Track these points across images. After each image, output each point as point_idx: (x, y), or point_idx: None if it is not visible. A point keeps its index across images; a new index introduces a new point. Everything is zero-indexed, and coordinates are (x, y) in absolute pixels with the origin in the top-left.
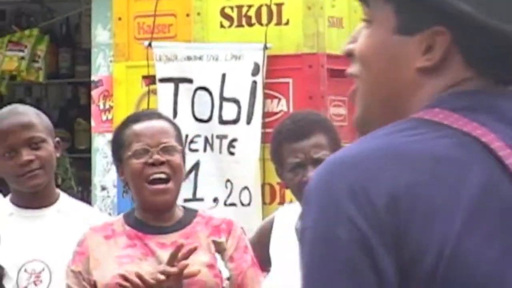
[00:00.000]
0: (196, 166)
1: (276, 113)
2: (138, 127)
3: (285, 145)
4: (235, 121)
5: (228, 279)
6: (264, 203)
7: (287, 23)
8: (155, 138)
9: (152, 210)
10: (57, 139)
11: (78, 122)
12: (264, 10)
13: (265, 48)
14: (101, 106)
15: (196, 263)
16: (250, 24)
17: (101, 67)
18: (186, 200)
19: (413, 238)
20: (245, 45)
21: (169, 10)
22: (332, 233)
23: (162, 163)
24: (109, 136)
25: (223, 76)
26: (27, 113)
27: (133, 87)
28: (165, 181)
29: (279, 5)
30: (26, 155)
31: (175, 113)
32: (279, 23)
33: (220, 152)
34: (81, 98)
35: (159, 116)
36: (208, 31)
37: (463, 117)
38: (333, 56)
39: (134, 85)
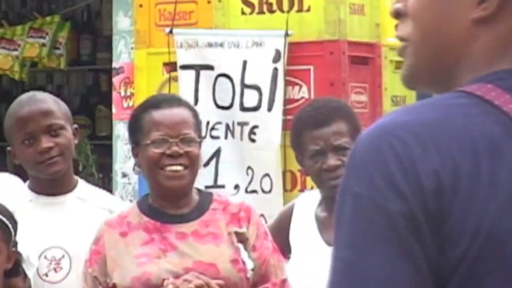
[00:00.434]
0: (217, 153)
1: (297, 100)
2: (157, 114)
3: (305, 133)
4: (256, 108)
5: (252, 269)
6: (285, 190)
7: (308, 10)
8: (175, 129)
9: (167, 196)
10: (75, 126)
11: (99, 109)
12: None
13: (286, 35)
14: (122, 93)
15: (220, 259)
16: (271, 11)
17: (122, 54)
18: (207, 187)
19: (453, 220)
20: (266, 32)
21: None
22: (382, 204)
23: (180, 155)
24: None
25: (244, 63)
26: (46, 100)
27: (154, 74)
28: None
29: None
30: (46, 142)
31: (196, 100)
32: (300, 9)
33: (241, 139)
34: (102, 85)
35: (179, 102)
36: (229, 17)
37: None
38: (354, 43)
39: (155, 72)
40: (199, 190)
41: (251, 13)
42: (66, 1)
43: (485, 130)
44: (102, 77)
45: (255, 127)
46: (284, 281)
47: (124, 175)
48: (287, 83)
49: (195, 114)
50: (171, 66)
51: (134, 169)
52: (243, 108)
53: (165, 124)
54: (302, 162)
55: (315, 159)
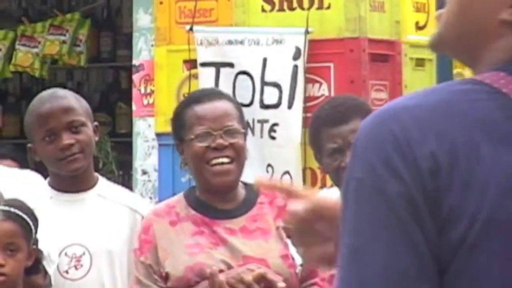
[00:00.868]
0: None
1: (317, 98)
2: (200, 109)
3: (324, 130)
4: (276, 106)
5: (301, 265)
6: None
7: (328, 7)
8: (218, 121)
9: (214, 191)
10: (96, 123)
11: (119, 106)
12: None
13: (307, 32)
14: (142, 90)
15: (270, 254)
16: (292, 8)
17: (142, 51)
18: None
19: (450, 202)
20: (286, 29)
21: None
22: (381, 187)
23: (225, 147)
24: (150, 120)
25: (264, 60)
26: (67, 97)
27: (174, 72)
28: (228, 164)
29: None
30: (67, 139)
31: None
32: (320, 7)
33: (261, 136)
34: (122, 82)
35: (221, 95)
36: (250, 15)
37: None
38: (374, 40)
39: (175, 69)
40: (245, 184)
41: (271, 10)
42: None
43: (487, 115)
44: (122, 74)
45: (275, 124)
46: (333, 276)
47: (144, 172)
48: (307, 80)
49: (238, 106)
50: (191, 64)
51: (181, 166)
52: (263, 106)
53: (208, 118)
54: (320, 160)
55: (333, 157)
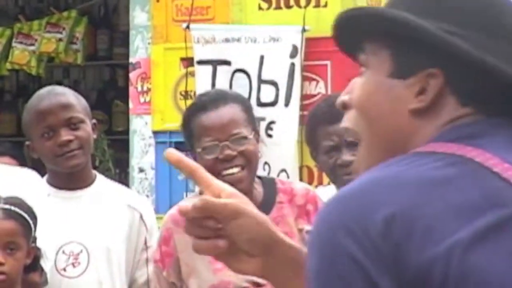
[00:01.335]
0: None
1: (314, 96)
2: (205, 119)
3: (320, 128)
4: (273, 104)
5: None
6: None
7: (325, 5)
8: (224, 131)
9: None
10: (94, 121)
11: (115, 104)
12: None
13: (304, 30)
14: (139, 88)
15: None
16: (289, 6)
17: (139, 49)
18: None
19: (414, 257)
20: (283, 27)
21: None
22: (335, 272)
23: (234, 157)
24: (147, 118)
25: (261, 58)
26: (66, 94)
27: (171, 69)
28: (239, 172)
29: None
30: (65, 135)
31: None
32: (317, 5)
33: None
34: (119, 80)
35: (225, 100)
36: (246, 13)
37: (457, 144)
38: None
39: (172, 67)
40: (261, 178)
41: (268, 8)
42: None
43: (430, 170)
44: (119, 72)
45: (272, 122)
46: None
47: (141, 170)
48: (304, 78)
49: (245, 107)
50: (188, 61)
51: None
52: (260, 104)
53: (214, 128)
54: (316, 158)
55: (329, 155)
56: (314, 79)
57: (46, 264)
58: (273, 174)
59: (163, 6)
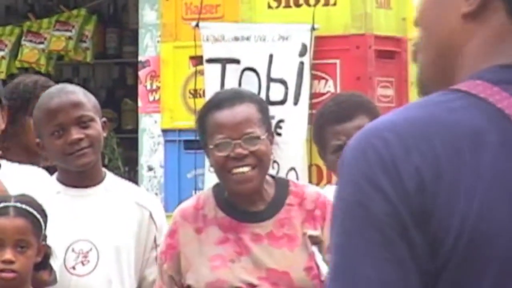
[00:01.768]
0: None
1: (323, 94)
2: (219, 116)
3: (328, 127)
4: (282, 102)
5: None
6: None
7: (334, 4)
8: (237, 129)
9: (239, 197)
10: (104, 119)
11: (125, 102)
12: None
13: (313, 29)
14: (148, 87)
15: (294, 267)
16: (298, 5)
17: (148, 47)
18: None
19: (437, 218)
20: (292, 25)
21: None
22: (367, 206)
23: (245, 156)
24: (156, 116)
25: (271, 56)
26: (76, 92)
27: (180, 68)
28: (249, 172)
29: None
30: (76, 133)
31: None
32: (326, 3)
33: None
34: (128, 79)
35: (241, 99)
36: (256, 11)
37: (502, 91)
38: (380, 37)
39: (181, 65)
40: (274, 178)
41: (277, 7)
42: None
43: (469, 124)
44: (128, 70)
45: (281, 121)
46: None
47: (150, 168)
48: (313, 77)
49: (261, 108)
50: (197, 60)
51: (209, 170)
52: (269, 102)
53: (227, 126)
54: (324, 157)
55: (337, 154)
56: (323, 78)
57: (56, 262)
58: (282, 173)
59: (173, 4)
